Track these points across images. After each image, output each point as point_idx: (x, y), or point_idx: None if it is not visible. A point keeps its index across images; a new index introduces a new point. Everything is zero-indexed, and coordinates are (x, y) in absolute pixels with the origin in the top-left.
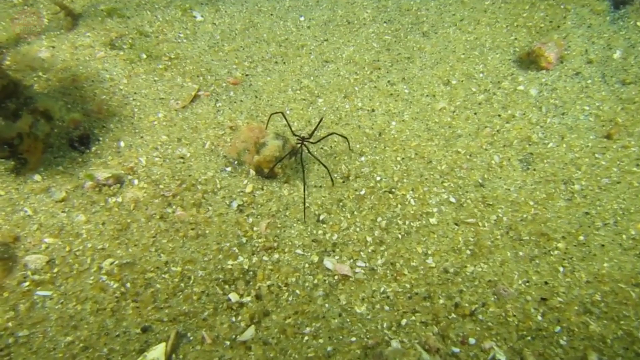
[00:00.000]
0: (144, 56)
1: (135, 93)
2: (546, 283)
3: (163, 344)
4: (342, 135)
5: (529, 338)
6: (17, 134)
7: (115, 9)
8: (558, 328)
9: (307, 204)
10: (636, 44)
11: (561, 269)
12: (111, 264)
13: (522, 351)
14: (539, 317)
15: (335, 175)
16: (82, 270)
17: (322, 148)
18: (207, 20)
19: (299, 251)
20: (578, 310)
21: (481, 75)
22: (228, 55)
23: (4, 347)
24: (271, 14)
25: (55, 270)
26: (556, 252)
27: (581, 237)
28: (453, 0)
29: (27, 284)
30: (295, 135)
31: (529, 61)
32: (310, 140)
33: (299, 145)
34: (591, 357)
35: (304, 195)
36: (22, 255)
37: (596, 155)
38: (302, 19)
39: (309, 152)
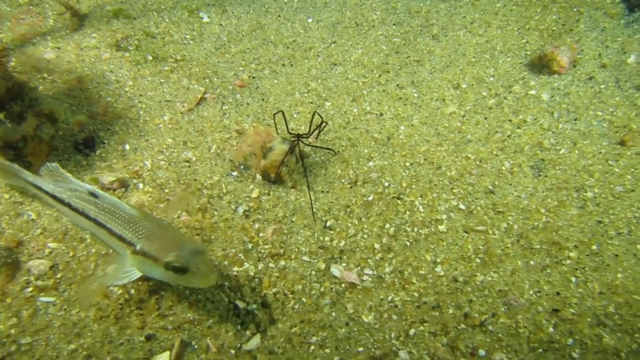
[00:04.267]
0: (150, 58)
1: (140, 95)
2: (558, 294)
3: (167, 353)
4: (319, 115)
5: (540, 350)
6: (22, 137)
7: (121, 10)
8: (571, 340)
9: (314, 210)
10: None
11: (573, 279)
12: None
13: None
14: (551, 329)
15: (343, 180)
16: (86, 276)
17: (328, 153)
18: (214, 22)
19: (306, 258)
20: (591, 322)
21: (492, 79)
22: (235, 57)
23: (7, 354)
24: (279, 15)
25: (59, 275)
26: (568, 261)
27: (594, 247)
28: (463, 3)
29: (30, 289)
30: (291, 133)
31: (541, 65)
32: (307, 137)
33: (295, 142)
34: None
35: (310, 194)
36: (26, 260)
37: (609, 162)
38: (310, 20)
39: (308, 146)
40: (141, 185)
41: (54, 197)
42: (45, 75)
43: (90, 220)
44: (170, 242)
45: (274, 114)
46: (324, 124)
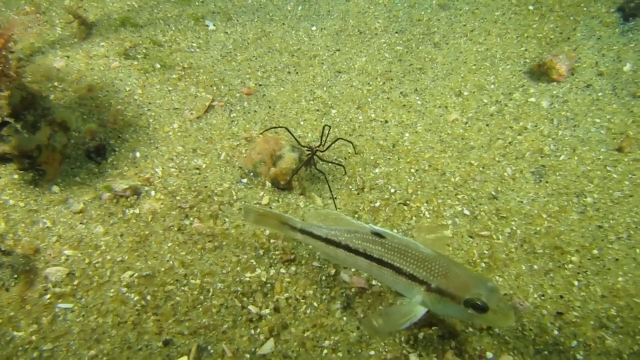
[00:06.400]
0: (158, 66)
1: (149, 103)
2: (561, 297)
3: (185, 358)
4: (348, 140)
5: (546, 352)
6: (37, 146)
7: (128, 18)
8: (574, 343)
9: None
10: None
11: (576, 282)
12: (131, 276)
13: None
14: (556, 332)
15: (350, 187)
16: (102, 282)
17: (336, 160)
18: (219, 30)
19: (316, 264)
20: (594, 325)
21: (492, 86)
22: (241, 65)
23: None
24: (283, 23)
25: (76, 282)
26: (570, 265)
27: (595, 251)
28: (464, 11)
29: (48, 296)
30: (304, 147)
31: (540, 73)
32: (321, 149)
33: (309, 155)
34: None
35: (333, 198)
36: (43, 268)
37: (608, 168)
38: (313, 28)
39: (321, 159)
40: (153, 193)
41: (327, 240)
42: (55, 84)
43: (373, 260)
44: (468, 280)
45: (274, 127)
46: (338, 140)
